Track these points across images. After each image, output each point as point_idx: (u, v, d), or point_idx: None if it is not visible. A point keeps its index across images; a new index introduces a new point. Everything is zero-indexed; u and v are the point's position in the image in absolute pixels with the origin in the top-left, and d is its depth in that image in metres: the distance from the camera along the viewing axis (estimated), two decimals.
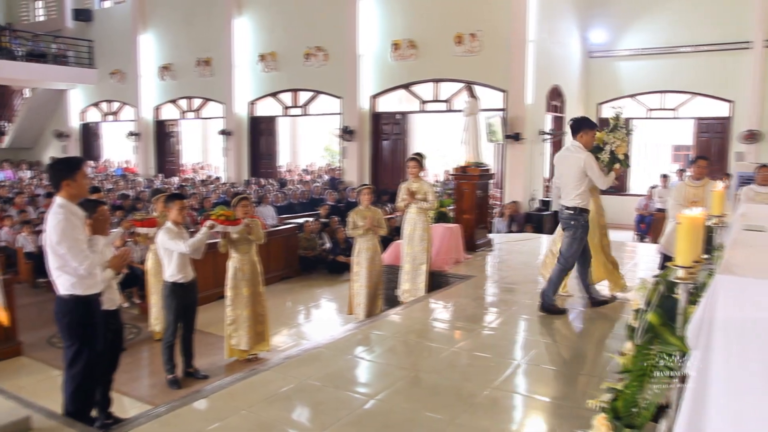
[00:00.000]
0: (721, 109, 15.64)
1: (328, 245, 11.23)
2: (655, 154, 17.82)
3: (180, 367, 5.95)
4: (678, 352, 2.55)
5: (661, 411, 2.70)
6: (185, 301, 5.80)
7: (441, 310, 6.52)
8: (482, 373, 4.50)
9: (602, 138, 5.77)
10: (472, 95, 8.99)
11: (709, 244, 3.97)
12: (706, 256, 2.90)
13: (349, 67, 16.22)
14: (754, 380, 2.16)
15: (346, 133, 16.44)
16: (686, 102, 16.08)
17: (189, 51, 19.50)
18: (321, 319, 8.74)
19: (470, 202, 8.76)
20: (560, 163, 5.77)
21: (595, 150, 5.71)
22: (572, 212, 5.61)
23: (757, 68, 14.90)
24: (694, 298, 2.54)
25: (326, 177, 17.91)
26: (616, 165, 5.72)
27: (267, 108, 18.72)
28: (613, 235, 13.92)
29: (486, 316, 6.24)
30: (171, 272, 5.69)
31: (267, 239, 6.94)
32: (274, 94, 18.28)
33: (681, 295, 2.61)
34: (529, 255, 9.36)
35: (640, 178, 16.80)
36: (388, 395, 4.15)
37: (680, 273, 2.46)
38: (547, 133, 14.68)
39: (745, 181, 8.87)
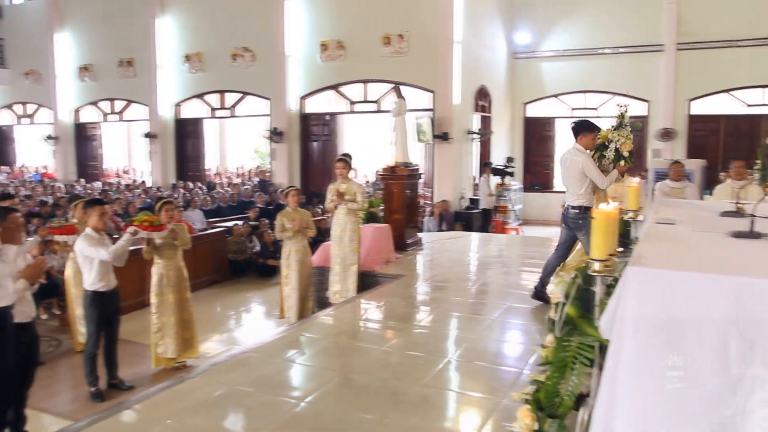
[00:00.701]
0: (638, 109, 16.29)
1: (257, 248, 11.07)
2: None
3: (103, 379, 5.74)
4: (596, 342, 2.63)
5: (581, 400, 2.77)
6: (107, 310, 5.59)
7: (372, 311, 6.52)
8: (413, 372, 4.52)
9: (607, 136, 5.78)
10: (400, 96, 9.05)
11: (627, 238, 4.12)
12: (621, 249, 3.00)
13: (276, 67, 16.05)
14: (662, 370, 2.24)
15: (275, 135, 16.27)
16: (607, 102, 16.67)
17: (110, 51, 18.85)
18: (252, 323, 8.60)
19: (399, 202, 8.81)
20: (563, 164, 5.90)
21: (601, 148, 5.78)
22: (578, 211, 5.76)
23: (670, 70, 15.63)
24: (610, 290, 2.62)
25: (256, 179, 17.66)
26: (621, 162, 5.73)
27: (193, 110, 18.31)
28: (542, 231, 14.44)
29: (417, 314, 6.29)
30: (92, 280, 5.48)
31: (194, 244, 6.78)
32: (200, 96, 17.90)
33: (598, 287, 2.70)
34: (459, 253, 9.49)
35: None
36: (318, 397, 4.11)
37: (596, 266, 2.53)
38: (475, 133, 14.94)
39: (661, 176, 9.27)
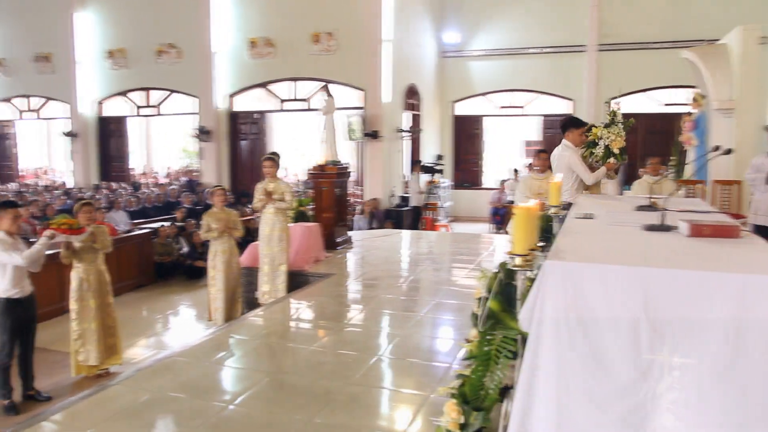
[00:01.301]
0: (563, 107, 16.82)
1: (185, 250, 10.80)
2: (507, 150, 18.84)
3: (18, 391, 5.46)
4: (519, 335, 2.68)
5: (505, 392, 2.83)
6: (22, 317, 5.32)
7: (302, 310, 6.47)
8: (343, 370, 4.51)
9: (597, 133, 5.65)
10: (329, 94, 9.02)
11: (550, 233, 4.22)
12: (542, 244, 3.08)
13: (203, 65, 15.71)
14: (577, 360, 2.31)
15: (203, 134, 15.92)
16: (533, 100, 17.13)
17: (24, 45, 17.96)
18: (180, 326, 8.38)
19: (329, 201, 8.78)
20: (553, 161, 5.96)
21: (591, 145, 5.68)
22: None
23: (592, 70, 16.19)
24: (531, 284, 2.68)
25: (183, 179, 17.23)
26: (611, 159, 5.61)
27: (116, 108, 17.71)
28: (471, 227, 14.70)
29: (348, 312, 6.28)
30: (4, 287, 5.20)
31: (118, 246, 6.56)
32: (123, 93, 17.33)
33: (519, 282, 2.76)
34: (390, 251, 9.54)
35: (494, 173, 17.69)
36: (246, 400, 4.04)
37: (517, 261, 2.58)
38: (405, 131, 15.05)
39: None
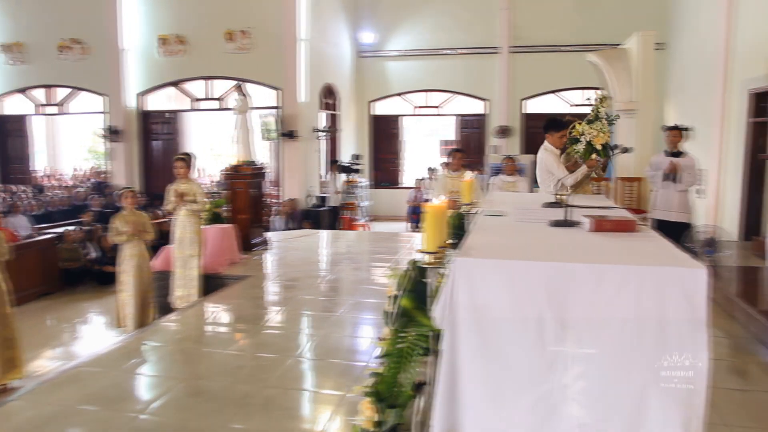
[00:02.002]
0: (478, 107, 17.23)
1: (94, 254, 10.35)
2: (424, 149, 19.10)
3: None
4: (431, 332, 2.71)
5: (419, 388, 2.85)
6: None
7: (218, 314, 6.33)
8: (260, 373, 4.44)
9: (579, 130, 5.22)
10: (242, 93, 8.87)
11: (462, 230, 4.30)
12: (453, 241, 3.13)
13: (111, 62, 15.10)
14: (487, 354, 2.37)
15: (112, 134, 15.30)
16: (448, 100, 17.44)
17: None
18: (90, 335, 8.02)
19: (244, 202, 8.62)
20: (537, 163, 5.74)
21: (573, 142, 5.26)
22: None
23: (504, 71, 16.65)
24: (442, 281, 2.72)
25: (92, 181, 16.49)
26: (593, 156, 5.16)
27: (15, 106, 16.74)
28: (390, 226, 14.81)
29: (265, 314, 6.19)
30: None
31: (19, 253, 6.20)
32: (23, 90, 16.40)
33: (430, 279, 2.79)
34: (308, 251, 9.48)
35: (413, 172, 17.89)
36: (159, 408, 3.91)
37: (428, 258, 2.62)
38: (322, 131, 14.99)
39: (497, 171, 9.84)
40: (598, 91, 11.34)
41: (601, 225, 2.96)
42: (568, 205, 3.37)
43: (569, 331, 2.27)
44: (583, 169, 5.24)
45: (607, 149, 5.10)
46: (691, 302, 2.19)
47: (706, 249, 7.10)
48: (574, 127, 5.19)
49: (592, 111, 5.14)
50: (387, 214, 16.79)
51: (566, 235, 2.88)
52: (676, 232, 6.50)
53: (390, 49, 17.37)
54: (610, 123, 5.08)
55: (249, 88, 9.18)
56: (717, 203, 10.09)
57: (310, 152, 14.56)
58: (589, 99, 13.88)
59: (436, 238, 2.60)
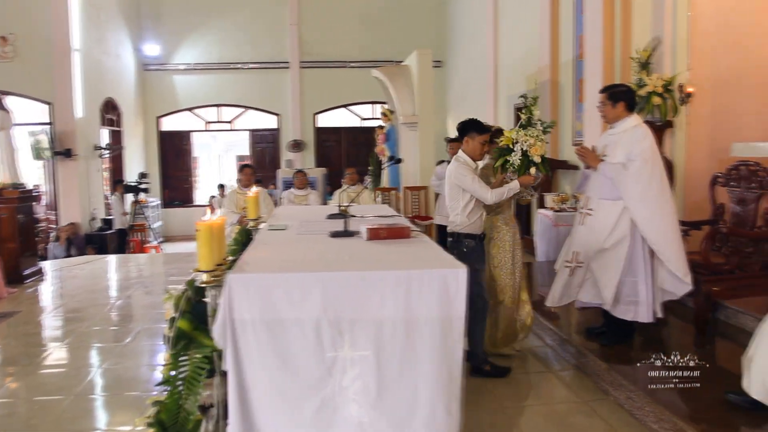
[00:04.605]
0: (271, 122, 17.26)
1: None
2: (220, 165, 18.65)
3: None
4: (215, 352, 2.65)
5: (205, 411, 2.76)
6: None
7: None
8: (37, 417, 4.00)
9: (511, 137, 4.43)
10: (3, 107, 7.96)
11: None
12: (233, 258, 3.08)
13: None
14: (271, 365, 2.39)
15: None
16: (241, 115, 17.24)
17: None
18: None
19: (11, 229, 7.72)
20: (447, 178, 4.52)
21: (505, 152, 4.44)
22: (452, 239, 4.30)
23: (296, 86, 16.88)
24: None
25: None
26: (532, 169, 4.36)
27: None
28: (185, 246, 14.19)
29: (41, 352, 5.57)
30: None
31: None
32: None
33: (209, 298, 2.72)
34: (92, 278, 8.76)
35: (208, 189, 17.39)
36: None
37: (204, 277, 2.55)
38: (104, 148, 13.96)
39: (289, 185, 9.89)
40: (384, 105, 11.97)
41: (377, 233, 3.10)
42: (347, 216, 3.49)
43: (345, 336, 2.37)
44: (513, 186, 4.29)
45: (546, 163, 4.40)
46: (452, 299, 2.39)
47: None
48: (501, 133, 4.57)
49: (525, 113, 4.46)
50: (181, 234, 16.10)
51: (344, 245, 2.98)
52: None
53: (177, 62, 16.77)
54: (545, 130, 4.43)
55: (11, 101, 8.24)
56: None
57: (91, 172, 13.46)
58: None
59: (212, 256, 2.54)
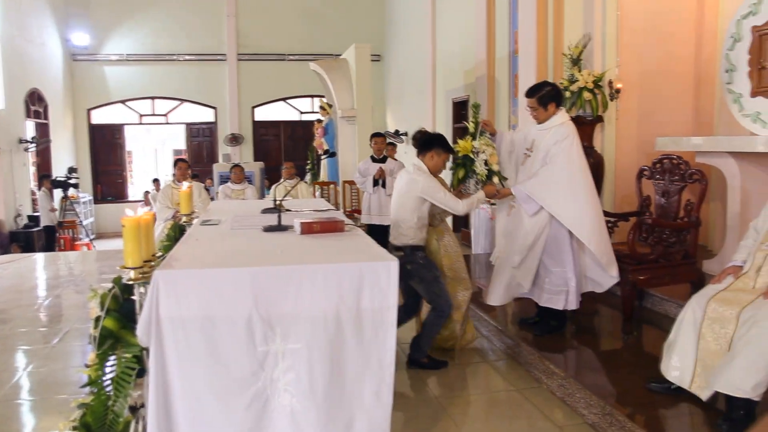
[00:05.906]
0: (208, 115, 16.91)
1: None
2: (155, 160, 18.17)
3: None
4: (144, 351, 2.58)
5: (135, 412, 2.70)
6: None
7: None
8: None
9: (469, 147, 4.31)
10: None
11: None
12: (161, 254, 3.01)
13: None
14: (200, 362, 2.34)
15: None
16: (176, 108, 16.84)
17: None
18: None
19: None
20: (397, 187, 4.28)
21: (467, 161, 4.33)
22: (402, 254, 4.10)
23: (233, 78, 16.60)
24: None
25: None
26: (495, 178, 4.31)
27: None
28: (117, 243, 13.73)
29: None
30: None
31: None
32: None
33: (137, 295, 2.65)
34: (17, 278, 8.40)
35: (143, 184, 16.93)
36: None
37: (132, 274, 2.48)
38: (29, 142, 13.38)
39: (225, 179, 9.73)
40: (323, 99, 11.90)
41: (310, 227, 3.08)
42: (281, 210, 3.45)
43: (277, 329, 2.36)
44: (480, 196, 4.24)
45: (501, 173, 4.41)
46: (384, 290, 2.41)
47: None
48: (455, 143, 4.43)
49: (472, 121, 4.42)
50: (115, 231, 15.60)
51: (277, 239, 2.95)
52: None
53: (108, 52, 16.23)
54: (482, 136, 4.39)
55: None
56: None
57: (16, 167, 12.88)
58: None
59: (140, 253, 2.47)
